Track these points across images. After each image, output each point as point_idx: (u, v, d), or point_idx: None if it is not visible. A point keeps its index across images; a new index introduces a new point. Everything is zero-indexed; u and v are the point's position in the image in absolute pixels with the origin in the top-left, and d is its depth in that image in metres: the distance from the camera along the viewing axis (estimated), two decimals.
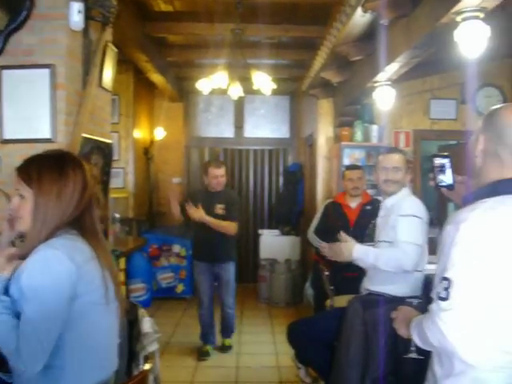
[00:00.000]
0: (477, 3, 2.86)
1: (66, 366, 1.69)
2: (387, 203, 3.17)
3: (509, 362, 1.59)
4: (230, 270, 5.10)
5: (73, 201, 1.78)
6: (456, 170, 1.96)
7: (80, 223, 1.81)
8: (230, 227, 4.87)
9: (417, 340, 1.75)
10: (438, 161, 1.95)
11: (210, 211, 4.79)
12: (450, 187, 1.95)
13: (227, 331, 5.30)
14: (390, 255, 2.96)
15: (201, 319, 5.21)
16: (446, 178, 1.94)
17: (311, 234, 4.92)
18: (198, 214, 4.72)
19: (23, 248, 1.77)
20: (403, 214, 3.00)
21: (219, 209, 4.89)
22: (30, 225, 1.76)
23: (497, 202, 1.63)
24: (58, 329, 1.65)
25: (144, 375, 1.93)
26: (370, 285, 3.12)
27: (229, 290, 5.15)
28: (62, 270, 1.65)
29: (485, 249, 1.56)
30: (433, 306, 1.64)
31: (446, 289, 1.58)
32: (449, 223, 1.66)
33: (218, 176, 4.91)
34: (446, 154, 1.97)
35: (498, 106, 1.73)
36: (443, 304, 1.58)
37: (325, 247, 3.34)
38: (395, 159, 3.18)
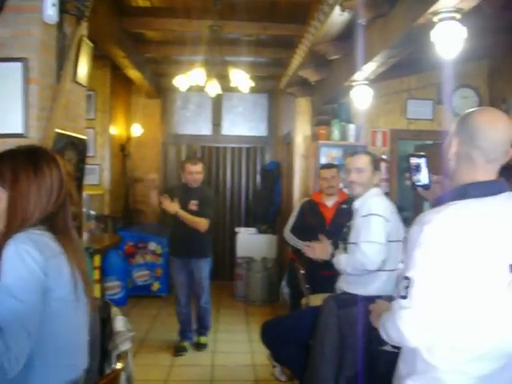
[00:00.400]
0: (453, 4, 2.87)
1: (34, 365, 1.65)
2: (355, 205, 3.19)
3: (465, 361, 1.61)
4: (204, 267, 5.12)
5: (51, 198, 1.76)
6: (432, 170, 1.97)
7: (52, 220, 1.77)
8: (201, 223, 4.89)
9: (383, 334, 1.78)
10: (414, 160, 1.97)
11: (184, 207, 4.85)
12: (425, 187, 1.97)
13: (202, 328, 5.31)
14: (351, 258, 3.02)
15: (179, 316, 5.22)
16: (422, 177, 1.96)
17: (287, 233, 4.92)
18: (172, 207, 4.78)
19: None
20: (363, 215, 3.04)
21: (193, 205, 4.93)
22: (6, 224, 1.72)
23: (463, 205, 1.64)
24: (38, 319, 1.64)
25: (116, 374, 1.90)
26: (345, 286, 3.13)
27: (203, 286, 5.15)
28: (34, 263, 1.63)
29: (446, 251, 1.59)
30: (393, 304, 1.68)
31: (406, 287, 1.62)
32: (414, 224, 1.69)
33: (193, 172, 4.96)
34: (422, 153, 1.99)
35: (471, 109, 1.75)
36: (403, 302, 1.63)
37: (307, 245, 3.39)
38: (359, 161, 3.20)
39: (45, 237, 1.73)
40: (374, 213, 2.99)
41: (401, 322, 1.62)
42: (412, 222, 1.72)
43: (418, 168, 1.96)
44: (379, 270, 2.97)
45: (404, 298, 1.62)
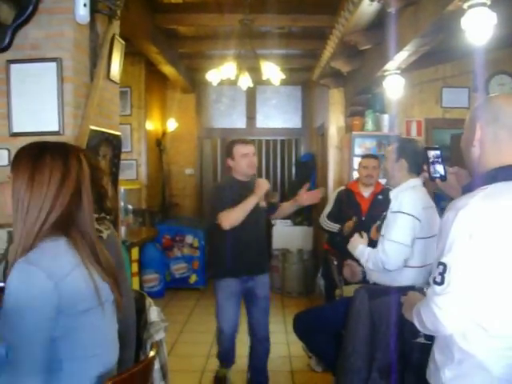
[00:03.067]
0: None
1: (62, 368, 1.65)
2: (390, 195, 3.14)
3: (502, 348, 1.60)
4: (267, 284, 3.94)
5: (50, 190, 1.66)
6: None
7: (67, 223, 1.70)
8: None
9: (417, 324, 1.78)
10: (431, 153, 2.03)
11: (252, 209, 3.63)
12: (442, 178, 2.01)
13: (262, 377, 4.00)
14: (373, 255, 2.99)
15: (221, 345, 4.00)
16: (439, 169, 2.01)
17: (323, 219, 4.93)
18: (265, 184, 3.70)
19: (11, 254, 1.68)
20: (393, 211, 2.98)
21: (262, 201, 3.78)
22: (11, 212, 1.68)
23: (495, 188, 1.64)
24: (44, 348, 1.58)
25: (149, 361, 1.94)
26: (374, 277, 3.13)
27: (266, 311, 3.92)
28: (38, 290, 1.56)
29: (482, 235, 1.58)
30: (428, 291, 1.68)
31: (441, 274, 1.61)
32: (448, 209, 1.68)
33: (249, 154, 3.73)
34: (436, 146, 2.06)
35: (488, 96, 1.79)
36: (438, 288, 1.62)
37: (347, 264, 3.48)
38: (386, 149, 3.21)
39: (59, 249, 1.67)
40: (404, 211, 2.92)
41: (436, 309, 1.62)
42: (445, 210, 1.72)
43: (435, 160, 2.01)
44: (405, 267, 2.95)
45: (439, 284, 1.61)
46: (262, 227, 3.94)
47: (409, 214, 2.92)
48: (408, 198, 2.97)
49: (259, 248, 3.83)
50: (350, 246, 3.24)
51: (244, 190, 3.69)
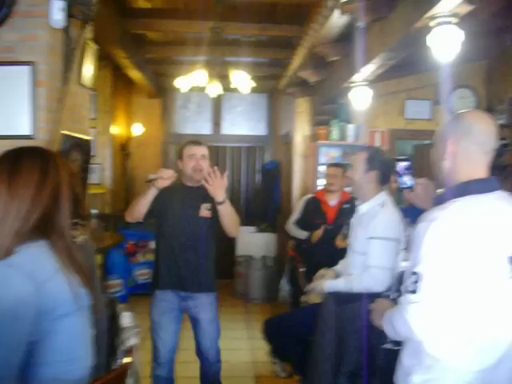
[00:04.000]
0: (450, 9, 2.95)
1: (39, 372, 1.65)
2: (361, 208, 3.15)
3: (471, 353, 1.68)
4: (212, 305, 3.47)
5: (27, 192, 1.65)
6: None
7: (46, 226, 1.70)
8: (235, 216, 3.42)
9: (388, 331, 1.84)
10: (399, 164, 2.10)
11: (191, 215, 3.38)
12: (410, 188, 2.09)
13: None
14: (359, 283, 3.01)
15: (155, 368, 3.48)
16: (407, 179, 2.09)
17: (291, 225, 5.00)
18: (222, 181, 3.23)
19: None
20: (374, 237, 2.96)
21: (205, 210, 3.38)
22: None
23: (466, 201, 1.73)
24: (20, 352, 1.58)
25: (123, 369, 1.96)
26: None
27: (214, 336, 3.50)
28: (17, 294, 1.55)
29: (453, 246, 1.66)
30: (401, 299, 1.74)
31: (415, 283, 1.68)
32: (421, 221, 1.76)
33: (195, 155, 3.38)
34: (405, 157, 2.14)
35: (459, 112, 1.89)
36: (411, 297, 1.68)
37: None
38: (352, 157, 3.24)
39: (41, 254, 1.67)
40: (387, 236, 2.94)
41: (409, 317, 1.68)
42: (417, 221, 1.79)
43: (403, 171, 2.09)
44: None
45: (413, 292, 1.67)
46: (203, 239, 3.39)
47: (389, 239, 2.95)
48: (384, 222, 2.98)
49: (197, 262, 3.35)
50: (317, 289, 3.26)
51: (189, 196, 3.39)
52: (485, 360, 1.69)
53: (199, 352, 3.51)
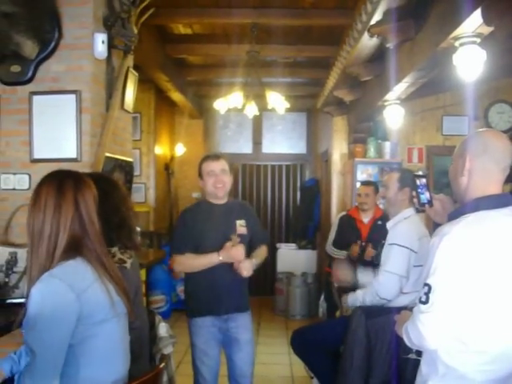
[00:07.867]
0: (473, 29, 3.03)
1: (80, 372, 1.81)
2: (387, 225, 3.30)
3: (483, 363, 1.76)
4: (249, 325, 3.34)
5: (47, 215, 1.80)
6: None
7: (79, 244, 1.84)
8: (266, 253, 3.44)
9: (405, 340, 1.93)
10: (419, 181, 2.17)
11: (228, 234, 3.13)
12: (429, 204, 2.15)
13: None
14: (369, 292, 3.14)
15: None
16: (426, 196, 2.16)
17: (329, 247, 5.09)
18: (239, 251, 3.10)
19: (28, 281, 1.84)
20: (389, 243, 3.14)
21: (240, 227, 3.22)
22: (31, 252, 1.83)
23: (478, 216, 1.81)
24: (63, 354, 1.75)
25: (158, 371, 2.10)
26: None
27: (251, 358, 3.34)
28: (61, 301, 1.72)
29: (464, 259, 1.74)
30: (414, 309, 1.83)
31: (426, 293, 1.77)
32: (434, 235, 1.85)
33: (214, 171, 3.19)
34: (423, 174, 2.22)
35: (475, 131, 1.98)
36: (423, 307, 1.78)
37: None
38: (385, 177, 3.41)
39: (79, 266, 1.82)
40: (398, 243, 3.08)
41: (421, 326, 1.77)
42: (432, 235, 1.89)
43: (422, 187, 2.16)
44: (401, 293, 3.10)
45: (424, 303, 1.77)
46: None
47: (403, 246, 3.07)
48: (403, 230, 3.14)
49: (237, 282, 3.19)
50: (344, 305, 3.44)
51: (213, 213, 3.21)
52: (497, 370, 1.76)
53: (232, 379, 3.33)
